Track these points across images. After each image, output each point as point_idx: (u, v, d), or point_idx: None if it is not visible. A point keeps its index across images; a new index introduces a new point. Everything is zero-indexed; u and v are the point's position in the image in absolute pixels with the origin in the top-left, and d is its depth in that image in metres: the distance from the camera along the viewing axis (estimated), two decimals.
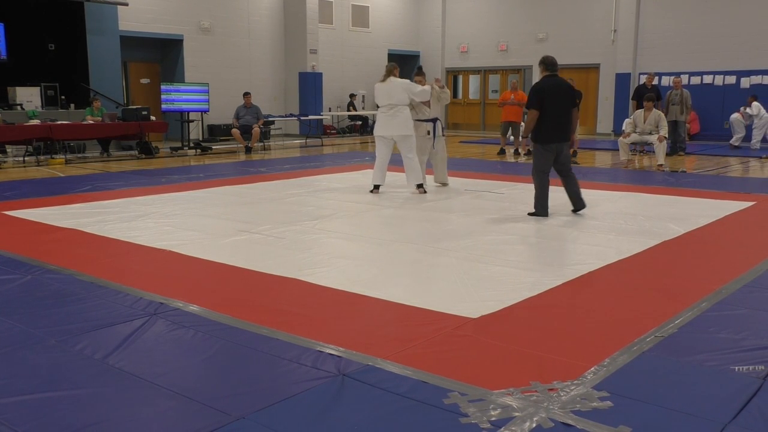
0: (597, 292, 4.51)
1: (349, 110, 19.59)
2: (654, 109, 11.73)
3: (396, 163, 8.85)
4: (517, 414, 2.68)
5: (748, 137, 14.86)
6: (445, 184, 8.99)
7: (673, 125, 13.53)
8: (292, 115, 17.38)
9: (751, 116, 14.78)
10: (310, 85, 18.39)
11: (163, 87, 14.46)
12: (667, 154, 11.91)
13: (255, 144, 14.42)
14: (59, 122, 12.14)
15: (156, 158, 12.96)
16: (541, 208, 6.86)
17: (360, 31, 20.38)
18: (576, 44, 18.71)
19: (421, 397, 2.84)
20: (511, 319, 3.88)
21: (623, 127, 13.29)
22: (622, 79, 18.04)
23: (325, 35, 19.10)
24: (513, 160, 13.15)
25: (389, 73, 8.25)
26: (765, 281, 4.60)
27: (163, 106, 14.40)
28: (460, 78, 22.12)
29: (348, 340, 3.47)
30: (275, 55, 18.39)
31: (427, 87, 8.36)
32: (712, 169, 11.59)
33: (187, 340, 3.53)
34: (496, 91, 20.99)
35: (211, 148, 14.48)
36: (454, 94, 21.60)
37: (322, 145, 16.27)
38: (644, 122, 11.65)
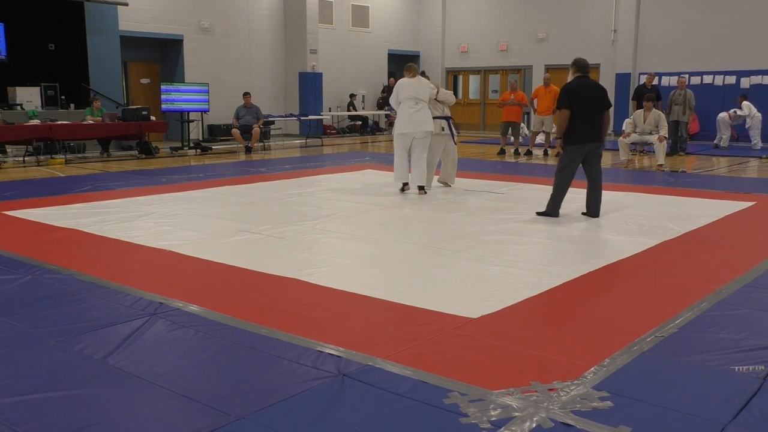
0: (597, 292, 4.51)
1: (349, 110, 19.59)
2: (654, 109, 11.73)
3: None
4: (517, 414, 2.68)
5: (744, 136, 14.91)
6: (448, 185, 9.00)
7: (675, 125, 13.53)
8: (292, 115, 17.38)
9: (741, 117, 14.80)
10: (310, 85, 18.38)
11: (163, 87, 14.46)
12: (667, 154, 11.91)
13: (255, 144, 14.42)
14: (59, 122, 12.14)
15: (156, 158, 12.96)
16: (552, 209, 6.83)
17: (360, 31, 20.38)
18: (576, 44, 18.69)
19: (421, 397, 2.84)
20: (511, 319, 3.88)
21: (623, 127, 13.29)
22: (622, 79, 18.04)
23: (325, 35, 19.10)
24: (513, 160, 13.15)
25: (415, 71, 8.47)
26: (765, 281, 4.60)
27: (163, 106, 14.40)
28: (460, 78, 22.12)
29: (348, 340, 3.47)
30: (275, 55, 18.39)
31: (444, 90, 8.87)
32: (711, 169, 11.59)
33: (187, 340, 3.53)
34: (496, 91, 20.98)
35: (211, 148, 14.48)
36: (455, 95, 21.56)
37: (322, 145, 16.27)
38: (644, 122, 11.66)
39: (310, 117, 17.17)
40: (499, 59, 20.77)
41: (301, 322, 3.78)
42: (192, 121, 14.88)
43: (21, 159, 12.06)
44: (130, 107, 14.03)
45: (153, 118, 13.77)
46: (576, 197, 7.08)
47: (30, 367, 3.16)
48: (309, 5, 17.99)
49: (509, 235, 6.06)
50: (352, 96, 19.72)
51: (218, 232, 6.16)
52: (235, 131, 14.34)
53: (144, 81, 16.68)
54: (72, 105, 13.93)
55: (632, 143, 12.07)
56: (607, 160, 13.05)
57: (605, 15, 18.41)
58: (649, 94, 12.16)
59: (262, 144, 15.16)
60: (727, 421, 2.63)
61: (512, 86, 14.20)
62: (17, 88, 13.21)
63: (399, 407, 2.76)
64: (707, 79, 16.95)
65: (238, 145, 14.64)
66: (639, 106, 12.61)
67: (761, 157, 13.01)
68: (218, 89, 16.15)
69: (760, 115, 14.73)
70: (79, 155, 13.07)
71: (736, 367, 3.13)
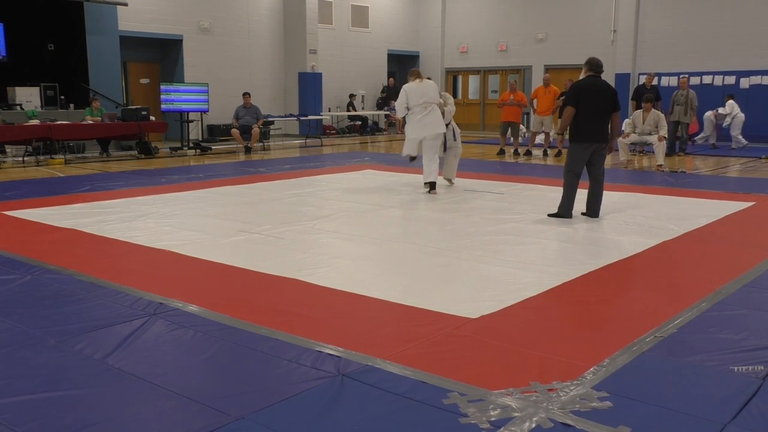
0: (597, 292, 4.51)
1: (348, 110, 19.58)
2: (653, 110, 11.73)
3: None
4: (516, 414, 2.68)
5: (726, 137, 14.97)
6: (450, 182, 9.07)
7: (675, 126, 13.52)
8: (291, 115, 17.37)
9: (723, 115, 14.82)
10: (310, 85, 18.38)
11: (162, 87, 14.45)
12: (667, 155, 11.91)
13: (255, 144, 14.41)
14: (59, 122, 12.13)
15: (156, 158, 12.96)
16: (564, 210, 6.81)
17: (360, 32, 20.38)
18: (575, 44, 18.69)
19: (420, 397, 2.84)
20: (511, 319, 3.88)
21: (623, 128, 13.27)
22: (621, 80, 18.02)
23: (325, 35, 19.10)
24: (512, 160, 13.15)
25: (420, 75, 8.56)
26: (765, 281, 4.61)
27: (163, 106, 14.39)
28: (460, 78, 22.12)
29: (347, 340, 3.47)
30: (275, 55, 18.38)
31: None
32: (711, 169, 11.59)
33: (187, 340, 3.53)
34: (495, 92, 20.98)
35: (210, 148, 14.47)
36: (454, 95, 21.58)
37: (322, 146, 16.27)
38: (643, 123, 11.66)
39: (310, 117, 17.17)
40: (498, 59, 20.77)
41: (301, 322, 3.78)
42: (192, 121, 14.88)
43: (20, 159, 12.06)
44: (129, 107, 14.03)
45: (152, 118, 13.77)
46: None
47: (30, 367, 3.16)
48: (309, 5, 18.00)
49: (509, 235, 6.06)
50: (351, 96, 19.72)
51: (218, 232, 6.16)
52: (235, 131, 14.34)
53: (143, 81, 16.68)
54: (71, 105, 13.92)
55: (632, 143, 12.07)
56: (606, 160, 13.02)
57: (605, 15, 18.41)
58: (648, 95, 12.15)
59: (261, 144, 15.16)
60: (726, 421, 2.63)
61: (512, 86, 14.19)
62: (17, 88, 13.20)
63: (398, 407, 2.76)
64: (707, 79, 16.95)
65: (238, 145, 14.64)
66: (638, 107, 12.60)
67: (761, 157, 13.02)
68: (218, 89, 16.15)
69: (743, 115, 14.80)
70: (79, 155, 13.06)
71: (736, 368, 3.13)
